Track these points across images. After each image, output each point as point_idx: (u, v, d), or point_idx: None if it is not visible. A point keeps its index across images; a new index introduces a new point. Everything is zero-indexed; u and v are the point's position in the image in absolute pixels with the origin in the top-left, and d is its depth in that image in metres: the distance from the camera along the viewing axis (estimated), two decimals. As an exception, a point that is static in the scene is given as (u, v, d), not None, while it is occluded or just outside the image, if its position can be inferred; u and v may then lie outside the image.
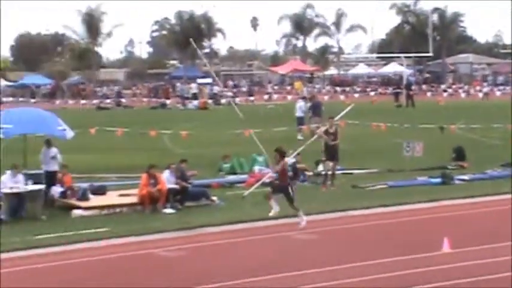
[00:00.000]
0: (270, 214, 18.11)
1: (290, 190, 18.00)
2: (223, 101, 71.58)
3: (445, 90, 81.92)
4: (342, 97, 71.86)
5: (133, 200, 20.47)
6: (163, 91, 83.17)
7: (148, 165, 20.87)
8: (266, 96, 77.86)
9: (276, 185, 18.53)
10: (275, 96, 78.92)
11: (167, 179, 20.76)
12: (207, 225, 18.07)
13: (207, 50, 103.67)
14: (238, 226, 18.08)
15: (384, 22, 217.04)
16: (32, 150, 21.83)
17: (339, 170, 24.22)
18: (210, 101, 70.52)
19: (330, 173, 23.14)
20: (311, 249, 15.96)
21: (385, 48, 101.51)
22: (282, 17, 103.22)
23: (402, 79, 71.04)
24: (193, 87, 78.55)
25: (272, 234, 17.37)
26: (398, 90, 65.68)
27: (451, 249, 15.09)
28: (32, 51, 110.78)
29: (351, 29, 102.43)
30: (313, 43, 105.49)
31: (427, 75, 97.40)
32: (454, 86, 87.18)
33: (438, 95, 75.28)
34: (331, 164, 23.13)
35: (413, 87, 67.78)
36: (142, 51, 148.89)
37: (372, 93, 79.97)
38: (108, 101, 75.58)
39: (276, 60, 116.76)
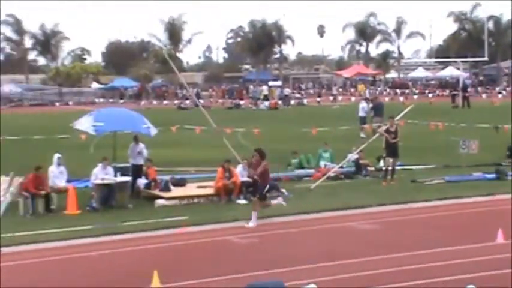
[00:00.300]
0: (247, 226, 16.74)
1: (265, 189, 17.47)
2: (292, 102, 71.62)
3: (499, 92, 79.98)
4: (401, 98, 70.80)
5: (210, 191, 20.61)
6: (237, 93, 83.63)
7: (223, 159, 21.03)
8: (331, 98, 77.48)
9: (261, 190, 17.50)
10: (340, 97, 78.40)
11: (240, 173, 20.87)
12: (277, 215, 18.04)
13: (277, 56, 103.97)
14: (306, 216, 18.01)
15: (441, 29, 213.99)
16: (120, 146, 22.19)
17: (399, 165, 23.89)
18: (279, 102, 70.56)
19: (390, 168, 22.87)
20: (374, 239, 15.77)
21: (443, 53, 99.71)
22: (347, 25, 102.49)
23: (459, 82, 69.58)
24: (265, 90, 78.70)
25: (337, 224, 17.25)
26: (455, 92, 64.40)
27: (504, 240, 14.75)
28: (121, 56, 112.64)
29: (411, 35, 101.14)
30: (375, 49, 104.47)
31: (483, 78, 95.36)
32: (508, 89, 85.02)
33: (493, 97, 73.49)
34: (391, 160, 22.87)
35: (469, 90, 66.33)
36: (219, 56, 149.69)
37: (430, 95, 78.56)
38: (187, 101, 76.16)
39: (340, 64, 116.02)
